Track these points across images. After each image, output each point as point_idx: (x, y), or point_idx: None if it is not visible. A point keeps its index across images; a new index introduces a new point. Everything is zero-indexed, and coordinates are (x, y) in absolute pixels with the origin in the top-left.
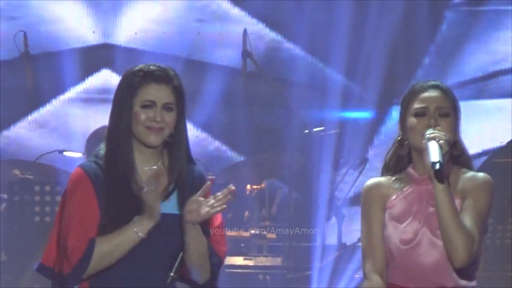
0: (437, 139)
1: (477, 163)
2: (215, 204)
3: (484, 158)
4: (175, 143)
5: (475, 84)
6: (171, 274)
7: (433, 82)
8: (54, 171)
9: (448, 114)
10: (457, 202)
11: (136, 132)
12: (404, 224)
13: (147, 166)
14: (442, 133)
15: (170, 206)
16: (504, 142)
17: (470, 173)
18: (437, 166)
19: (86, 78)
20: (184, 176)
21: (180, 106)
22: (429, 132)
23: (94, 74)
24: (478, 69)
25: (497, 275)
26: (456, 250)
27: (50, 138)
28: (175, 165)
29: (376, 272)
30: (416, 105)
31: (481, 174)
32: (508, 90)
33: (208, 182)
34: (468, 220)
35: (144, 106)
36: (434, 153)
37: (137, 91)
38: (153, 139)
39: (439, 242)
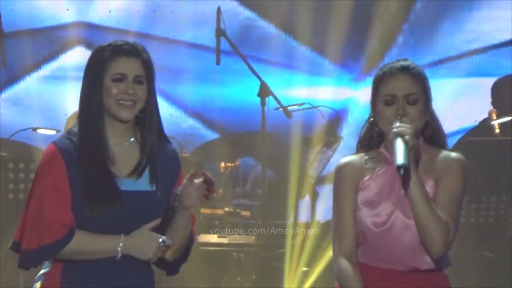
0: (403, 135)
1: (451, 141)
2: (209, 189)
3: (458, 137)
4: (146, 118)
5: (449, 62)
6: None
7: (402, 63)
8: (28, 148)
9: (416, 100)
10: (430, 183)
11: (108, 107)
12: (377, 207)
13: (120, 142)
14: (408, 126)
15: (143, 183)
16: (478, 121)
17: (443, 153)
18: (402, 171)
19: (60, 56)
20: (155, 151)
21: (150, 80)
22: (395, 126)
23: (68, 52)
24: (452, 48)
25: (470, 254)
26: (433, 242)
27: (24, 115)
28: (146, 140)
29: (344, 255)
30: (385, 92)
31: (454, 155)
32: (482, 69)
33: (196, 168)
34: (443, 208)
35: (115, 80)
36: (399, 154)
37: (107, 66)
38: (125, 114)
39: (413, 224)
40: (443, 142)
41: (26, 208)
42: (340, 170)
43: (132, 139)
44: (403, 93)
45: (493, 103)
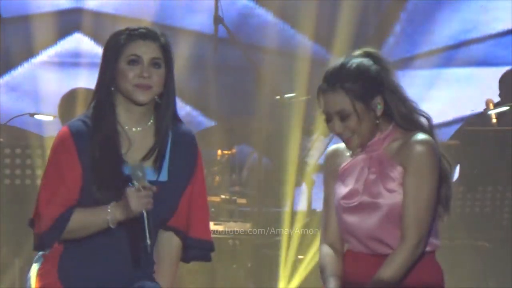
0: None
1: (447, 131)
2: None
3: (455, 127)
4: (163, 104)
5: (446, 52)
6: (148, 242)
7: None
8: (25, 134)
9: (348, 115)
10: (399, 169)
11: (124, 90)
12: (347, 189)
13: (137, 126)
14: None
15: (152, 172)
16: (475, 110)
17: (411, 137)
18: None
19: (58, 42)
20: (167, 138)
21: (168, 65)
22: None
23: (66, 38)
24: (449, 37)
25: (466, 244)
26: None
27: (21, 101)
28: (161, 125)
29: (327, 243)
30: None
31: (418, 139)
32: (479, 58)
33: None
34: (410, 206)
35: (131, 62)
36: None
37: (123, 49)
38: (142, 97)
39: (379, 204)
40: (414, 125)
41: (39, 190)
42: (326, 159)
43: (150, 121)
44: (334, 110)
45: (500, 96)
